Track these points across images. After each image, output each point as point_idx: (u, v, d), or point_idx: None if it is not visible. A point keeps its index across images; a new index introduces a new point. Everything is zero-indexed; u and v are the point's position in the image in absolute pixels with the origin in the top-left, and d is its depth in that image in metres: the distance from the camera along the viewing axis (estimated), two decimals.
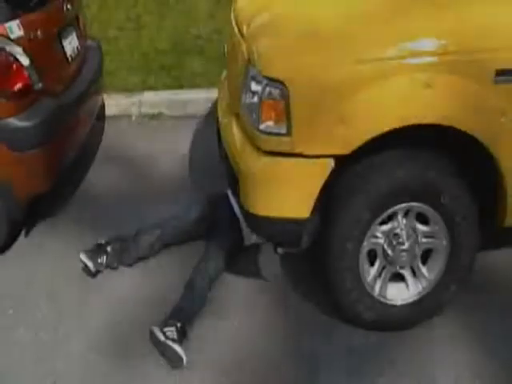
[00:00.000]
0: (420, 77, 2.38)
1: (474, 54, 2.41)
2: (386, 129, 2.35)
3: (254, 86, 2.51)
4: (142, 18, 6.55)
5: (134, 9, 6.74)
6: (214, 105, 3.44)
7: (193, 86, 5.09)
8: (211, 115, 3.35)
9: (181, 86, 5.10)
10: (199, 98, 4.87)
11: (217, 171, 3.17)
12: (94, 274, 3.13)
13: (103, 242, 3.18)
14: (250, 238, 3.17)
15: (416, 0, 2.65)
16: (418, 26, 2.47)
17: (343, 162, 2.46)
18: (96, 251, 3.13)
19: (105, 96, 4.68)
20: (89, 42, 4.28)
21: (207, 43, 5.82)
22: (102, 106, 4.70)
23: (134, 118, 4.92)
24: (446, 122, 2.41)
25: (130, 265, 3.20)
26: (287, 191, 2.49)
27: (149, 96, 4.99)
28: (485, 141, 2.47)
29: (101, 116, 4.70)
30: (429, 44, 2.40)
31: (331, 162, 2.42)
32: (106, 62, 4.52)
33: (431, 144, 2.58)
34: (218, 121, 3.16)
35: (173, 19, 6.47)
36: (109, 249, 3.14)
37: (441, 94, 2.42)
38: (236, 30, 3.03)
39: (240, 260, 3.20)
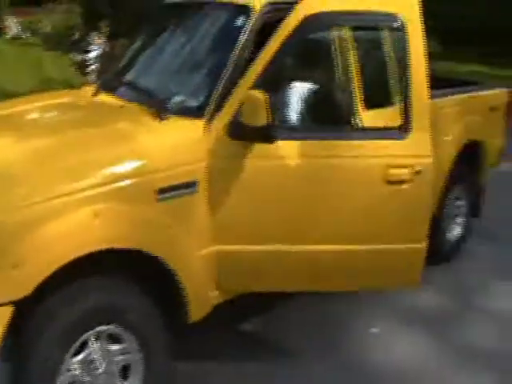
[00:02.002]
0: (88, 209, 2.50)
1: (135, 178, 2.65)
2: (58, 265, 2.39)
3: None
4: None
5: None
6: None
7: None
8: None
9: None
10: None
11: None
12: None
13: None
14: None
15: (86, 136, 2.89)
16: (83, 160, 2.64)
17: (28, 304, 2.41)
18: None
19: None
20: None
21: None
22: None
23: None
24: (117, 246, 2.57)
25: None
26: None
27: None
28: (159, 254, 2.69)
29: None
30: (94, 176, 2.58)
31: (11, 308, 2.34)
32: None
33: (114, 267, 2.71)
34: None
35: None
36: None
37: (109, 221, 2.58)
38: None
39: None
